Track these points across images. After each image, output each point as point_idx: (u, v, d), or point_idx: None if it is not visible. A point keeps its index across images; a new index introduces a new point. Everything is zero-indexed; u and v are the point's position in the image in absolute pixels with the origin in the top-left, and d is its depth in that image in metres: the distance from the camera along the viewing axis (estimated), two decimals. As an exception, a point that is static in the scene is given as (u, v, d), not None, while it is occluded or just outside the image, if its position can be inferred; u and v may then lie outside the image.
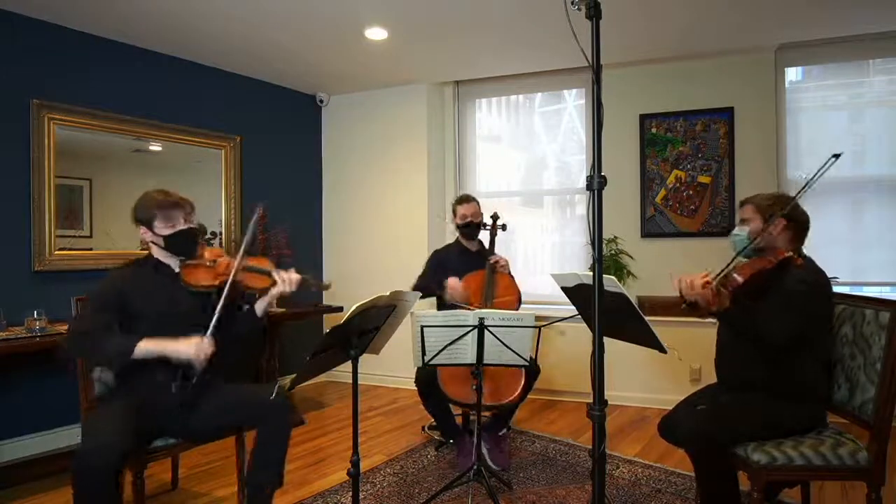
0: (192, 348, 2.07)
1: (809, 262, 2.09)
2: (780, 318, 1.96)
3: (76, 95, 3.52)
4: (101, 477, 1.81)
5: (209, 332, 2.11)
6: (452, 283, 3.10)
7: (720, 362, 2.31)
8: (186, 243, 2.26)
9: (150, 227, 2.23)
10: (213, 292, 2.24)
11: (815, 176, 1.95)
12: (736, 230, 2.24)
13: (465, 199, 3.38)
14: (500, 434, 3.17)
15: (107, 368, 2.32)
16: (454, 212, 3.40)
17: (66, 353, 2.20)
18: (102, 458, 1.80)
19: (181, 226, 2.24)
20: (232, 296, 2.22)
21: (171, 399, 2.14)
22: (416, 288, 3.27)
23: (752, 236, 2.14)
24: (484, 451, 2.96)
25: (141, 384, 2.15)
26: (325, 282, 2.42)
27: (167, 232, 2.22)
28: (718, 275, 2.01)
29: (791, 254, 2.00)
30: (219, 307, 2.15)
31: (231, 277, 2.19)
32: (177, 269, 2.28)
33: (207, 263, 2.28)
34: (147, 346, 2.06)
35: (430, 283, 3.22)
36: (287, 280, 2.28)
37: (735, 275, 2.00)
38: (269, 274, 2.30)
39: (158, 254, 2.29)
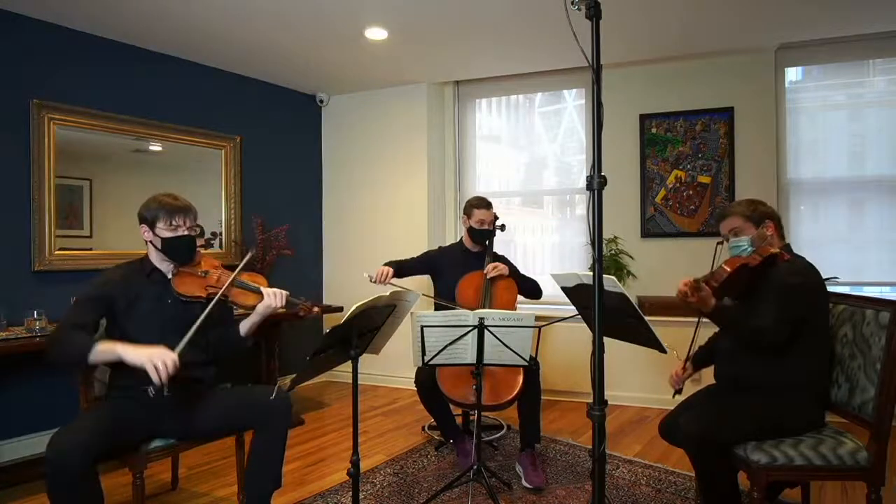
0: (143, 356, 1.93)
1: (797, 257, 2.11)
2: (773, 314, 1.96)
3: (76, 95, 3.52)
4: (64, 479, 1.81)
5: (182, 344, 2.02)
6: (464, 297, 3.15)
7: (718, 364, 2.31)
8: (184, 250, 2.24)
9: (151, 227, 2.22)
10: (202, 303, 2.19)
11: None
12: (733, 241, 2.19)
13: (487, 205, 3.33)
14: (532, 452, 2.94)
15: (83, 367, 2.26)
16: (469, 213, 3.35)
17: (47, 358, 2.09)
18: (62, 461, 1.81)
19: (182, 231, 2.23)
20: (217, 310, 2.18)
21: (156, 403, 2.12)
22: (399, 265, 3.31)
23: (755, 243, 2.10)
24: (519, 471, 2.92)
25: (129, 388, 2.14)
26: (309, 302, 2.36)
27: (167, 234, 2.21)
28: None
29: (776, 250, 2.02)
30: (199, 321, 2.08)
31: (219, 293, 2.17)
32: (169, 276, 2.26)
33: (199, 273, 2.26)
34: (104, 348, 1.99)
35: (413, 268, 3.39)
36: (275, 295, 2.23)
37: (724, 265, 2.04)
38: (257, 291, 2.26)
39: (154, 256, 2.28)
